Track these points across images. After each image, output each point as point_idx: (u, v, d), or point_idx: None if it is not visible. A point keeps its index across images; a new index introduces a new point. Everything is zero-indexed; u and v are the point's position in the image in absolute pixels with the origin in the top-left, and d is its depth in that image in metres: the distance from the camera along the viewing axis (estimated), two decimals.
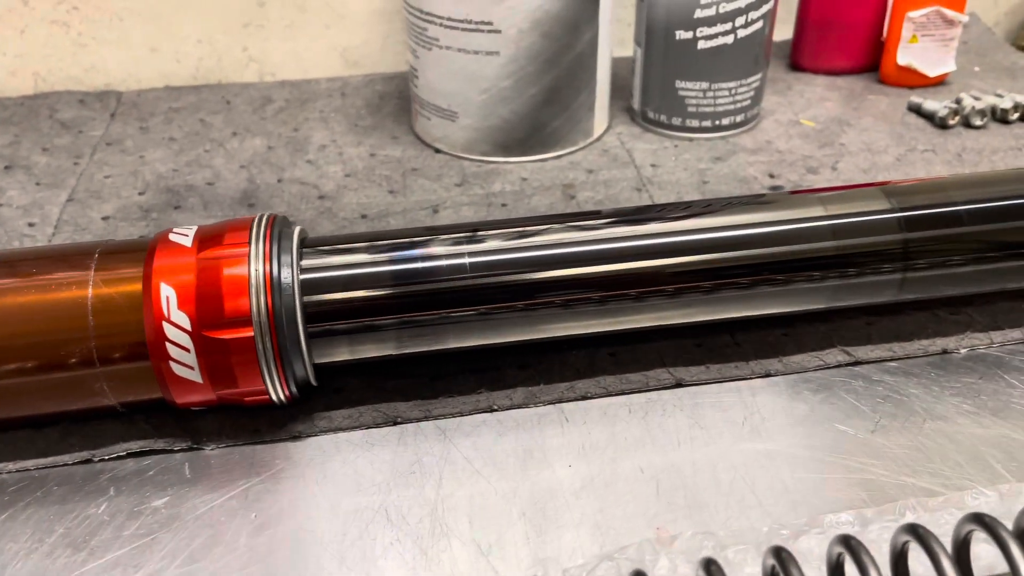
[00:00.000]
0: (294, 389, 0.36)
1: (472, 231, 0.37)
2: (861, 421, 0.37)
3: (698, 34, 0.55)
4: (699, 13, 0.54)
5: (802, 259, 0.38)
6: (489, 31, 0.52)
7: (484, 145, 0.57)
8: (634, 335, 0.41)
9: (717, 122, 0.58)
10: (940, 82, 0.65)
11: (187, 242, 0.35)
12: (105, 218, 0.52)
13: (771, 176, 0.55)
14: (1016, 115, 0.59)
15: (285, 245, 0.36)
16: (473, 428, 0.38)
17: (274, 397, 0.36)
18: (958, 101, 0.61)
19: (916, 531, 0.25)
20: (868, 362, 0.40)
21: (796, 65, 0.69)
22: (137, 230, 0.51)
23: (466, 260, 0.36)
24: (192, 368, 0.34)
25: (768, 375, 0.40)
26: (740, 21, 0.55)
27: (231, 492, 0.35)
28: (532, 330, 0.38)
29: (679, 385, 0.39)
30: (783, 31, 0.71)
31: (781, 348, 0.41)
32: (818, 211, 0.38)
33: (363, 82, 0.69)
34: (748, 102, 0.59)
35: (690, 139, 0.59)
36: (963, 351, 0.41)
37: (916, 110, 0.61)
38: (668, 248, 0.38)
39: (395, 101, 0.66)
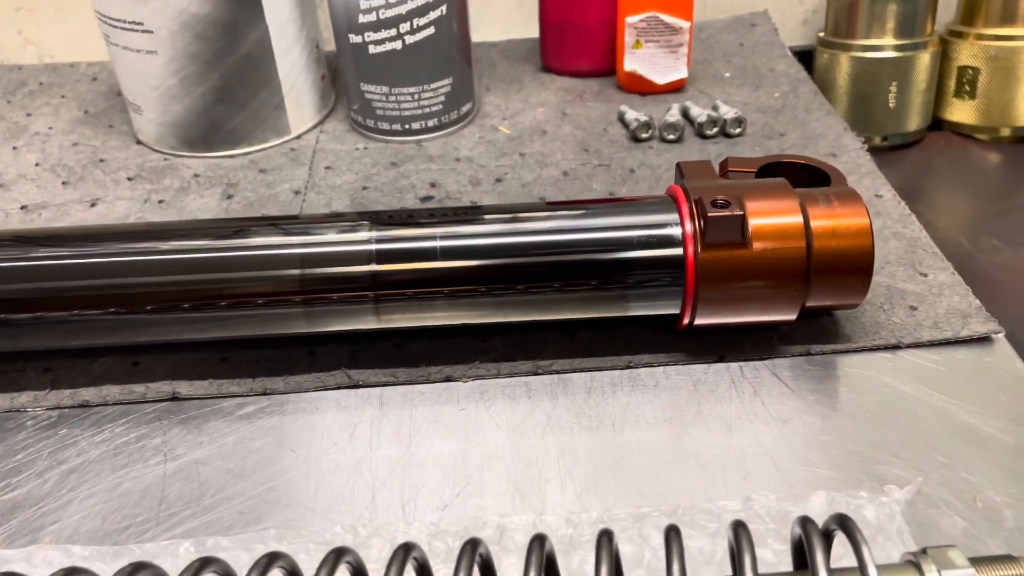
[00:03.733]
0: None
1: None
2: (313, 446, 0.38)
3: (366, 39, 0.55)
4: (362, 18, 0.54)
5: (270, 286, 0.38)
6: (142, 31, 0.53)
7: (171, 139, 0.58)
8: (163, 347, 0.43)
9: (406, 126, 0.58)
10: (676, 89, 0.63)
11: None
12: None
13: (432, 186, 0.55)
14: (715, 129, 0.57)
15: None
16: None
17: None
18: (667, 110, 0.59)
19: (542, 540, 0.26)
20: (367, 386, 0.41)
21: (545, 66, 0.68)
22: None
23: None
24: None
25: (266, 393, 0.41)
26: (405, 27, 0.54)
27: None
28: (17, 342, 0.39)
29: (175, 398, 0.41)
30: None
31: (293, 368, 0.42)
32: (285, 239, 0.39)
33: None
34: (439, 107, 0.58)
35: (385, 141, 0.59)
36: (468, 381, 0.41)
37: (621, 120, 0.60)
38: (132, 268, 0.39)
39: None
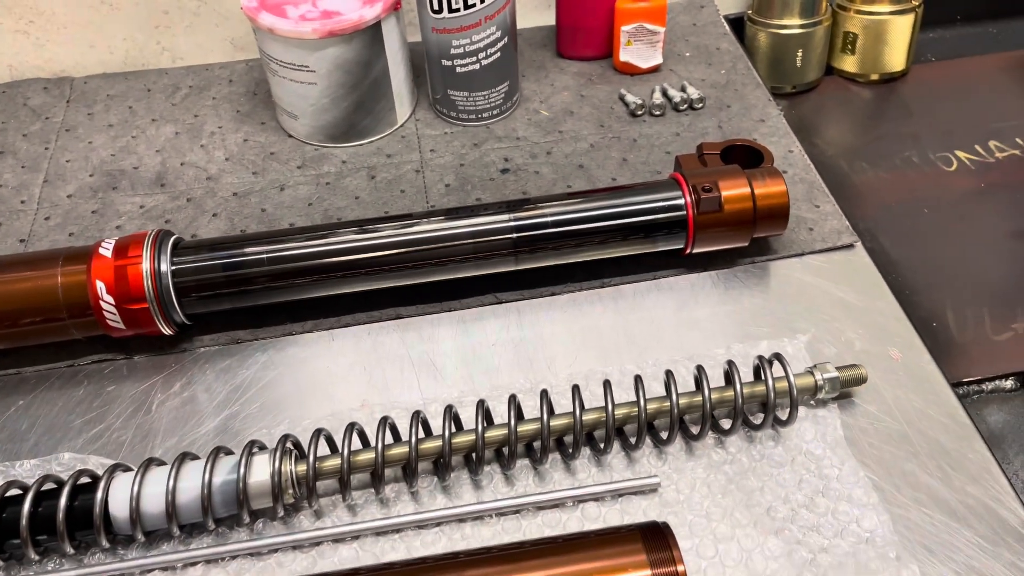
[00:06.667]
0: (175, 328, 0.67)
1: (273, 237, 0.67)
2: (487, 338, 0.68)
3: (455, 63, 0.81)
4: (452, 51, 0.80)
5: (452, 249, 0.67)
6: (307, 71, 0.79)
7: (319, 136, 0.85)
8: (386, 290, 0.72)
9: (479, 116, 0.86)
10: (653, 71, 0.91)
11: (109, 253, 0.65)
12: (69, 196, 0.81)
13: (505, 160, 0.83)
14: (685, 106, 0.86)
15: (164, 250, 0.66)
16: (283, 346, 0.69)
17: (165, 332, 0.67)
18: (652, 92, 0.87)
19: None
20: (507, 302, 0.71)
21: (559, 53, 0.95)
22: (90, 206, 0.80)
23: (264, 256, 0.66)
24: (118, 321, 0.65)
25: (450, 310, 0.70)
26: (482, 55, 0.81)
27: (148, 381, 0.67)
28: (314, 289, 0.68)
29: (399, 317, 0.70)
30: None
31: (466, 294, 0.71)
32: (459, 222, 0.67)
33: (245, 69, 0.95)
34: (500, 100, 0.85)
35: (464, 127, 0.87)
36: (564, 295, 0.71)
37: (622, 99, 0.88)
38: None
39: (268, 88, 0.92)
